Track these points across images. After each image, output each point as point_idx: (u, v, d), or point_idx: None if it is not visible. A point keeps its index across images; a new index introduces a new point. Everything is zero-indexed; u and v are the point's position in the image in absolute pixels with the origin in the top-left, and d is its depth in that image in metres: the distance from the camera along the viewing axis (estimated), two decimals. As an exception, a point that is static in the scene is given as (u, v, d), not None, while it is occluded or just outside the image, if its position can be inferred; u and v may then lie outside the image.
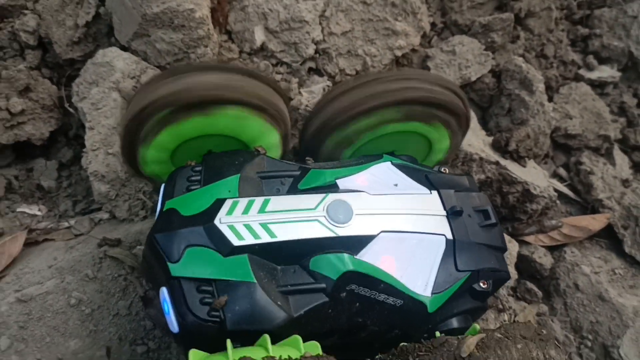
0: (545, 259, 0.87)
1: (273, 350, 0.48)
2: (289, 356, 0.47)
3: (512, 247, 0.85)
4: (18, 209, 0.87)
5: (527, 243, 0.89)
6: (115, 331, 0.72)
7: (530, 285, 0.86)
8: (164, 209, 0.60)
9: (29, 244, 0.81)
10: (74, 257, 0.76)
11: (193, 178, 0.63)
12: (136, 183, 0.82)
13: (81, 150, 0.88)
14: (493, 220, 0.65)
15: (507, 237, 0.86)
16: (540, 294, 0.86)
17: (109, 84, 0.83)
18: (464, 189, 0.68)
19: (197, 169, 0.64)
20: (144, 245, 0.60)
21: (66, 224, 0.84)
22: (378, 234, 0.59)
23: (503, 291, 0.82)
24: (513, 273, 0.83)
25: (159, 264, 0.56)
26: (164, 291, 0.56)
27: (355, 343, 0.62)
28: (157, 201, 0.63)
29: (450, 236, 0.62)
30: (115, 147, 0.81)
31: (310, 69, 0.94)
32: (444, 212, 0.64)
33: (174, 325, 0.55)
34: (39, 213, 0.87)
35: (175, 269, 0.55)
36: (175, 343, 0.70)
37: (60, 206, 0.88)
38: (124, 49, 0.86)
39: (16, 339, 0.70)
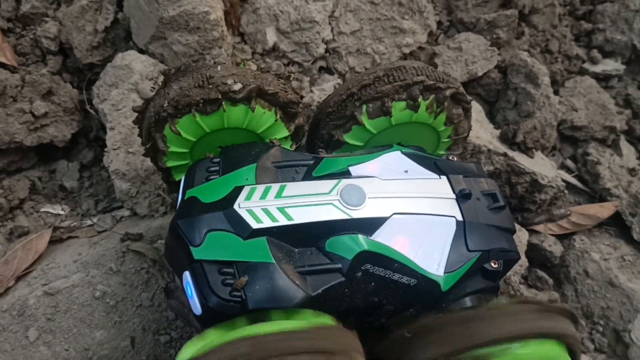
0: (555, 247, 0.89)
1: (286, 323, 0.51)
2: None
3: (522, 236, 0.87)
4: (42, 209, 0.90)
5: (537, 232, 0.91)
6: (139, 322, 0.75)
7: (541, 273, 0.88)
8: (185, 198, 0.63)
9: (53, 241, 0.84)
10: (98, 252, 0.79)
11: (212, 169, 0.65)
12: (156, 180, 0.85)
13: (101, 152, 0.91)
14: (501, 202, 0.68)
15: (517, 226, 0.88)
16: (551, 281, 0.87)
17: (128, 86, 0.86)
18: (472, 175, 0.70)
19: (216, 160, 0.67)
20: (167, 233, 0.62)
21: (89, 222, 0.87)
22: (390, 216, 0.62)
23: (515, 278, 0.84)
24: (523, 261, 0.85)
25: (182, 249, 0.59)
26: (187, 275, 0.58)
27: (373, 325, 0.64)
28: (177, 198, 0.66)
29: (460, 218, 0.64)
30: (136, 146, 0.85)
31: (321, 68, 0.97)
32: (453, 196, 0.66)
33: (197, 307, 0.57)
34: (62, 212, 0.90)
35: (198, 253, 0.57)
36: (198, 326, 0.72)
37: (83, 205, 0.91)
38: (141, 52, 0.90)
39: (44, 331, 0.73)
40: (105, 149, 0.85)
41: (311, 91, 0.92)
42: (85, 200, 0.92)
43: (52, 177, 0.94)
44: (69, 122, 0.92)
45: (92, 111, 0.92)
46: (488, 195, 0.69)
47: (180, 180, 0.69)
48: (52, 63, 0.92)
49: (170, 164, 0.71)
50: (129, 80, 0.87)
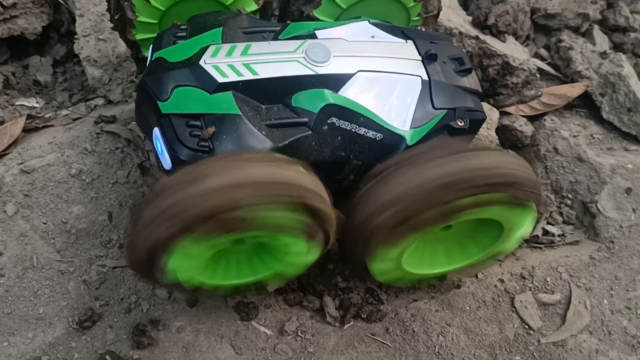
0: (526, 128, 0.90)
1: None
2: None
3: (493, 115, 0.88)
4: (17, 103, 0.90)
5: (509, 114, 0.92)
6: (115, 197, 0.76)
7: (512, 153, 0.90)
8: (152, 59, 0.63)
9: (29, 130, 0.84)
10: (72, 135, 0.80)
11: (179, 34, 0.66)
12: (128, 67, 0.85)
13: (73, 46, 0.91)
14: (467, 65, 0.69)
15: (488, 106, 0.89)
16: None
17: (95, -28, 0.85)
18: (439, 42, 0.71)
19: (183, 27, 0.67)
20: (135, 93, 0.63)
21: (64, 112, 0.87)
22: (356, 73, 0.63)
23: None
24: (494, 138, 0.87)
25: (150, 106, 0.60)
26: (156, 131, 0.59)
27: (342, 184, 0.66)
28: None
29: (425, 77, 0.66)
30: (106, 33, 0.84)
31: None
32: (419, 57, 0.67)
33: (167, 161, 0.58)
34: (37, 105, 0.90)
35: (165, 107, 0.58)
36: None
37: (57, 98, 0.91)
38: (108, -62, 0.88)
39: (22, 206, 0.74)
40: (76, 36, 0.85)
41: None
42: (59, 94, 0.92)
43: (25, 72, 0.94)
44: (39, 14, 0.91)
45: (61, 1, 0.91)
46: (454, 60, 0.69)
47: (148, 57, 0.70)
48: (19, -46, 0.91)
49: (139, 36, 0.71)
50: (97, -33, 0.86)
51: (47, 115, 0.87)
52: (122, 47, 0.84)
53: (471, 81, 0.69)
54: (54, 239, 0.72)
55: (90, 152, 0.78)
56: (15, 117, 0.88)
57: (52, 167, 0.76)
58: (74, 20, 0.92)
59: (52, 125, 0.85)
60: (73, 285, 0.69)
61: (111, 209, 0.75)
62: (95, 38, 0.84)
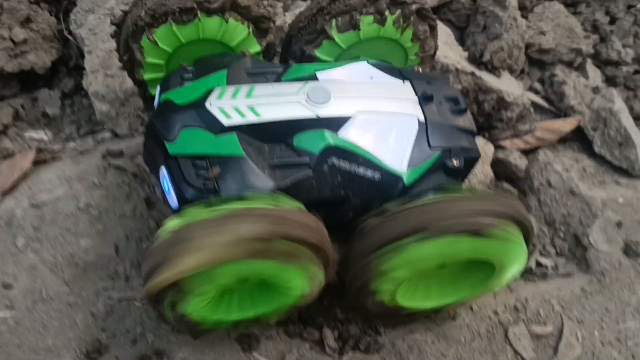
0: (520, 161, 0.93)
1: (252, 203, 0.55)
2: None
3: (488, 149, 0.91)
4: (26, 135, 0.93)
5: (503, 147, 0.95)
6: (122, 231, 0.78)
7: (507, 186, 0.92)
8: (161, 101, 0.66)
9: (38, 162, 0.87)
10: (81, 168, 0.83)
11: (186, 76, 0.69)
12: (135, 102, 0.88)
13: (82, 80, 0.94)
14: (462, 106, 0.71)
15: (483, 140, 0.92)
16: (516, 192, 0.92)
17: (104, 11, 0.89)
18: (436, 82, 0.74)
19: (190, 68, 0.70)
20: (143, 131, 0.66)
21: (72, 145, 0.90)
22: (355, 114, 0.65)
23: (481, 188, 0.88)
24: (489, 172, 0.89)
25: (158, 146, 0.63)
26: (163, 170, 0.62)
27: (342, 221, 0.69)
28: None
29: (422, 118, 0.68)
30: (114, 69, 0.87)
31: (293, -6, 0.99)
32: (416, 98, 0.70)
33: (173, 200, 0.61)
34: (45, 137, 0.93)
35: (173, 147, 0.61)
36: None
37: (65, 130, 0.94)
38: (116, -22, 0.92)
39: (31, 239, 0.76)
40: (84, 72, 0.88)
41: (284, 15, 0.95)
42: (67, 126, 0.95)
43: (34, 104, 0.97)
44: (48, 49, 0.94)
45: (70, 37, 0.94)
46: (450, 100, 0.72)
47: (155, 95, 0.73)
48: (29, -9, 0.95)
49: (147, 76, 0.74)
50: (105, 6, 0.89)
51: (55, 148, 0.90)
52: (129, 82, 0.87)
53: (466, 121, 0.72)
54: (62, 271, 0.74)
55: (98, 186, 0.81)
56: (24, 149, 0.90)
57: (61, 201, 0.79)
58: (82, 55, 0.95)
59: (61, 158, 0.88)
60: (81, 317, 0.71)
61: (118, 242, 0.78)
62: (103, 74, 0.87)
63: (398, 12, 0.75)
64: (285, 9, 0.97)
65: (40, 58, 0.93)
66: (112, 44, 0.87)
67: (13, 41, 0.90)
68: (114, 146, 0.86)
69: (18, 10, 0.90)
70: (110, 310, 0.72)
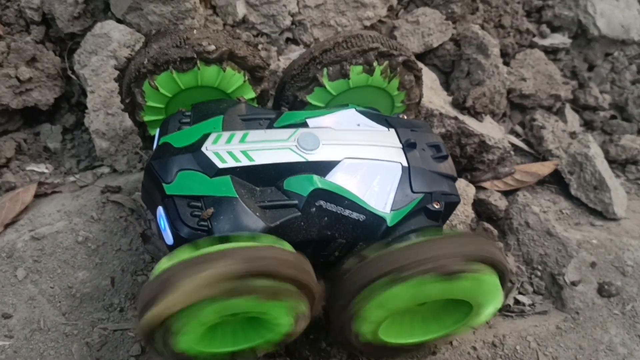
0: (500, 202, 0.97)
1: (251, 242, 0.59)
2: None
3: (470, 191, 0.95)
4: (27, 168, 0.97)
5: (484, 189, 0.99)
6: (118, 264, 0.82)
7: (487, 225, 0.96)
8: (159, 144, 0.70)
9: (39, 196, 0.91)
10: (80, 203, 0.87)
11: (184, 120, 0.73)
12: (133, 140, 0.92)
13: (83, 116, 0.98)
14: (444, 153, 0.76)
15: (465, 182, 0.96)
16: (496, 232, 0.96)
17: (107, 53, 0.93)
18: (419, 130, 0.79)
19: (187, 113, 0.74)
20: (143, 175, 0.70)
21: (72, 179, 0.94)
22: (342, 160, 0.70)
23: (462, 227, 0.93)
24: (470, 213, 0.94)
25: (155, 187, 0.67)
26: (160, 210, 0.66)
27: (328, 259, 0.72)
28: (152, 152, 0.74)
29: (405, 164, 0.73)
30: (114, 108, 0.92)
31: (287, 39, 1.04)
32: (400, 145, 0.74)
33: (169, 237, 0.65)
34: (46, 171, 0.97)
35: (170, 189, 0.65)
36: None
37: (66, 164, 0.98)
38: (119, 22, 0.97)
39: (31, 271, 0.80)
40: (86, 111, 0.92)
41: (278, 60, 1.00)
42: (67, 160, 0.99)
43: (36, 139, 1.01)
44: (52, 87, 0.99)
45: (73, 76, 0.99)
46: (432, 147, 0.77)
47: (154, 136, 0.77)
48: (36, 32, 0.99)
49: (147, 118, 0.78)
50: (108, 48, 0.94)
51: (55, 181, 0.94)
52: (128, 121, 0.91)
53: (447, 167, 0.76)
54: (60, 302, 0.78)
55: (96, 220, 0.84)
56: (25, 181, 0.94)
57: (60, 234, 0.82)
58: (84, 92, 0.99)
59: (61, 192, 0.92)
60: (76, 347, 0.74)
61: (114, 275, 0.81)
62: (104, 112, 0.91)
63: (385, 63, 0.80)
64: (279, 52, 1.02)
65: (44, 95, 0.98)
66: (114, 84, 0.91)
67: (19, 79, 0.94)
68: (112, 182, 0.90)
69: (25, 50, 0.94)
70: (105, 340, 0.75)
